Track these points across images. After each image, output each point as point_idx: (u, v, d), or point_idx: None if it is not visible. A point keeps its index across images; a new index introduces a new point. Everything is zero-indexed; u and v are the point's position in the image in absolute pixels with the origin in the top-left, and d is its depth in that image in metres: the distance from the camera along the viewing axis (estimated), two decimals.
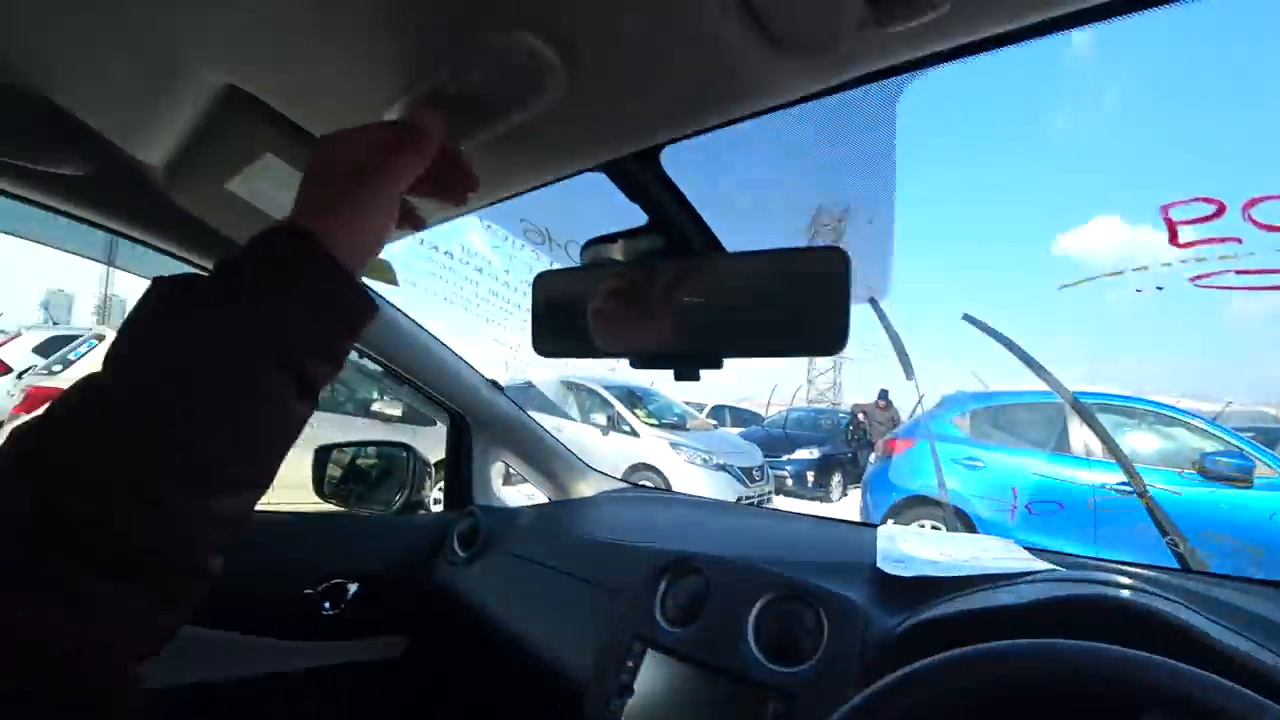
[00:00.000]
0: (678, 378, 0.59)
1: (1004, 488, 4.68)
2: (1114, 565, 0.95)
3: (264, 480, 0.39)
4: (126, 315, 0.38)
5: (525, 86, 0.45)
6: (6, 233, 1.08)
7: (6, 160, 0.77)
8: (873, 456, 6.40)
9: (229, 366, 0.36)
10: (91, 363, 4.63)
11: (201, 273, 0.40)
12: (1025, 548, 1.01)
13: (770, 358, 0.57)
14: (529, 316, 0.67)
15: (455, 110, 0.49)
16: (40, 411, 0.35)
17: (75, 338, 5.43)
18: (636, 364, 0.60)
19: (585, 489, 1.54)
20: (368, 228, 0.43)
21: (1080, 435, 4.64)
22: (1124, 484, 4.12)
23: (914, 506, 5.06)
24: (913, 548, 1.02)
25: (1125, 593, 0.68)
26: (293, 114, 0.62)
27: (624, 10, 0.40)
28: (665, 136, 0.54)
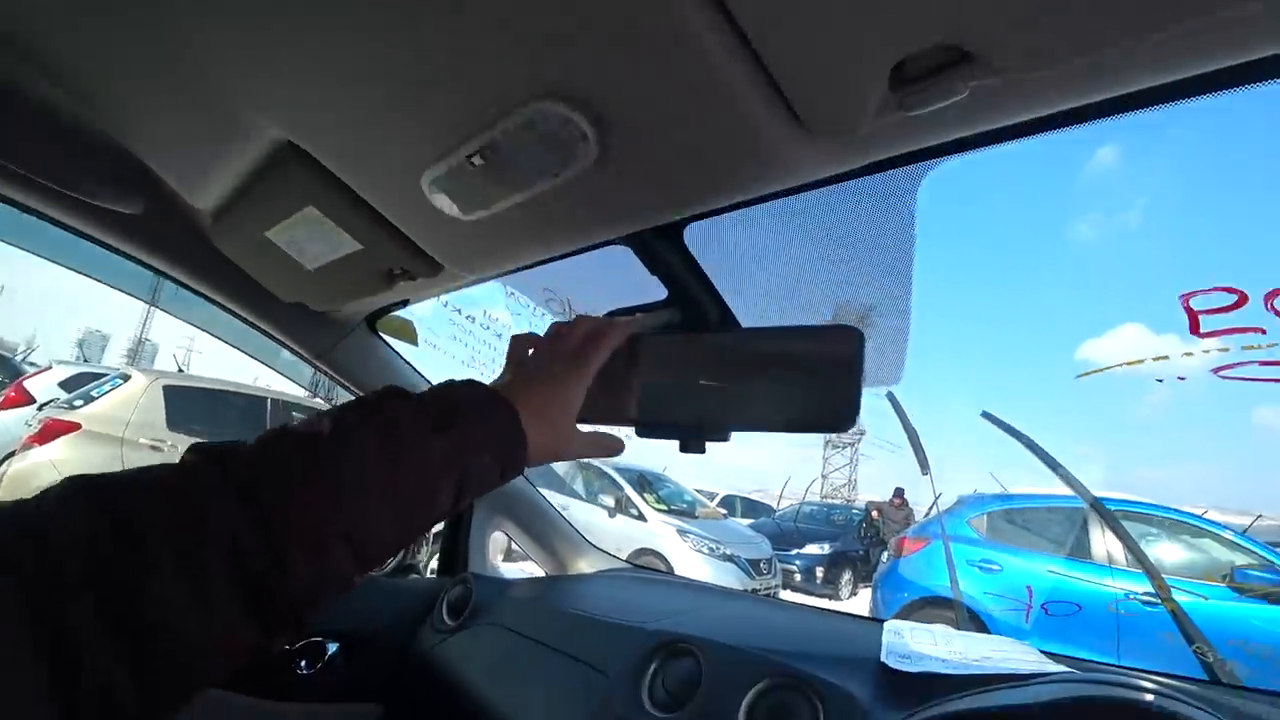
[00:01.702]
0: (683, 449, 0.59)
1: (1020, 590, 4.51)
2: (1136, 671, 0.91)
3: (389, 554, 0.44)
4: (354, 403, 0.46)
5: (557, 155, 0.48)
6: (60, 263, 1.13)
7: (67, 192, 0.81)
8: (885, 555, 6.22)
9: (424, 477, 0.43)
10: (113, 401, 4.70)
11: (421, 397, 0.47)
12: (1040, 651, 0.97)
13: (778, 432, 0.57)
14: None
15: (488, 176, 0.52)
16: (257, 447, 0.39)
17: (101, 375, 5.54)
18: (642, 433, 0.60)
19: (585, 566, 1.51)
20: (558, 414, 0.54)
21: (1101, 542, 4.48)
22: (1148, 593, 3.97)
23: (925, 607, 4.86)
24: (921, 644, 0.98)
25: (1149, 697, 0.64)
26: (339, 171, 0.65)
27: (656, 86, 0.43)
28: (689, 212, 0.56)
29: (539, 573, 1.53)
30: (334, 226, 0.73)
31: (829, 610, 1.33)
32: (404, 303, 1.02)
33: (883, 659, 0.89)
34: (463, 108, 0.48)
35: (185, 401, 4.99)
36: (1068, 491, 4.76)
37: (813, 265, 0.66)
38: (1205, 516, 4.89)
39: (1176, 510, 4.79)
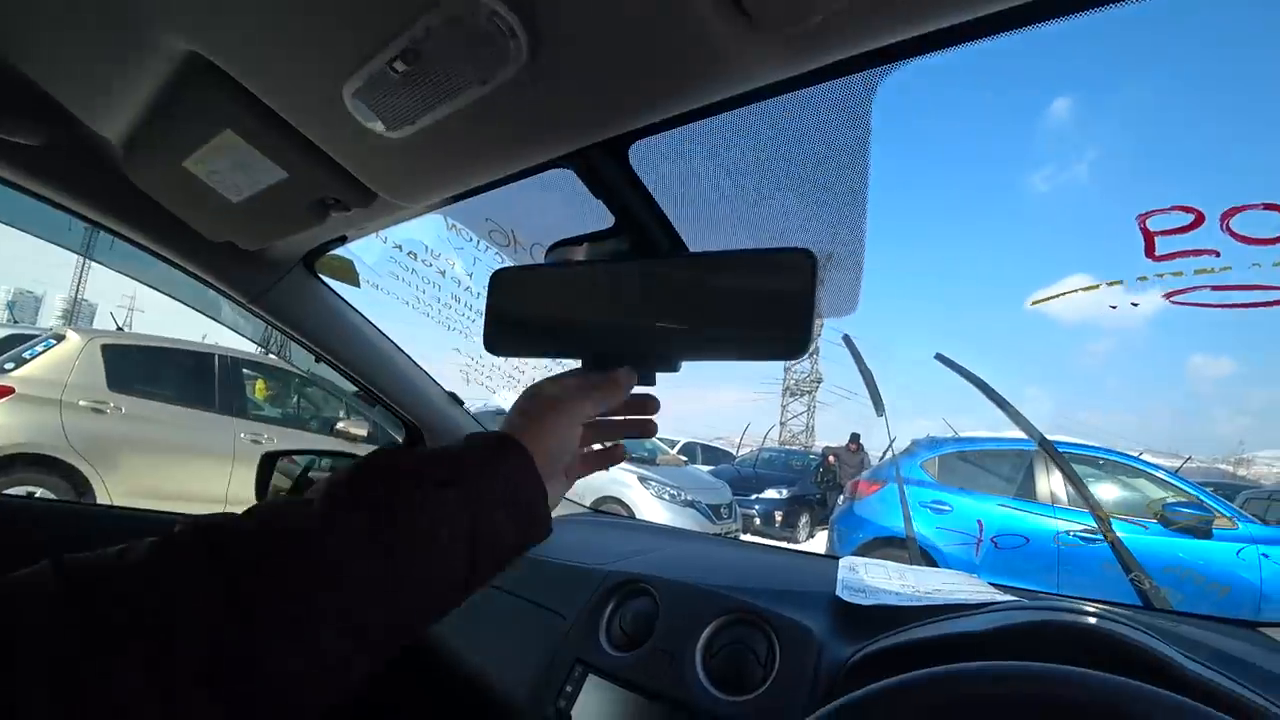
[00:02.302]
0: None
1: (971, 525, 4.76)
2: (1078, 599, 0.94)
3: (389, 652, 0.40)
4: (345, 470, 0.41)
5: (484, 58, 0.43)
6: None
7: None
8: (841, 498, 6.42)
9: (426, 556, 0.40)
10: (47, 362, 4.48)
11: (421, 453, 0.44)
12: (989, 583, 0.99)
13: (730, 360, 0.55)
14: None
15: (412, 86, 0.47)
16: (250, 531, 0.36)
17: (33, 337, 5.26)
18: (589, 364, 0.58)
19: None
20: (553, 450, 0.49)
21: (1045, 482, 4.75)
22: (1088, 531, 4.25)
23: (881, 546, 5.06)
24: (875, 579, 0.99)
25: (1087, 619, 0.66)
26: (255, 88, 0.60)
27: None
28: (632, 125, 0.52)
29: None
30: (256, 153, 0.67)
31: (786, 549, 1.35)
32: (342, 239, 0.96)
33: (837, 593, 0.90)
34: (382, 11, 0.44)
35: (127, 361, 4.77)
36: (1014, 435, 4.99)
37: (763, 187, 0.63)
38: (1140, 458, 5.17)
39: (1114, 451, 5.09)
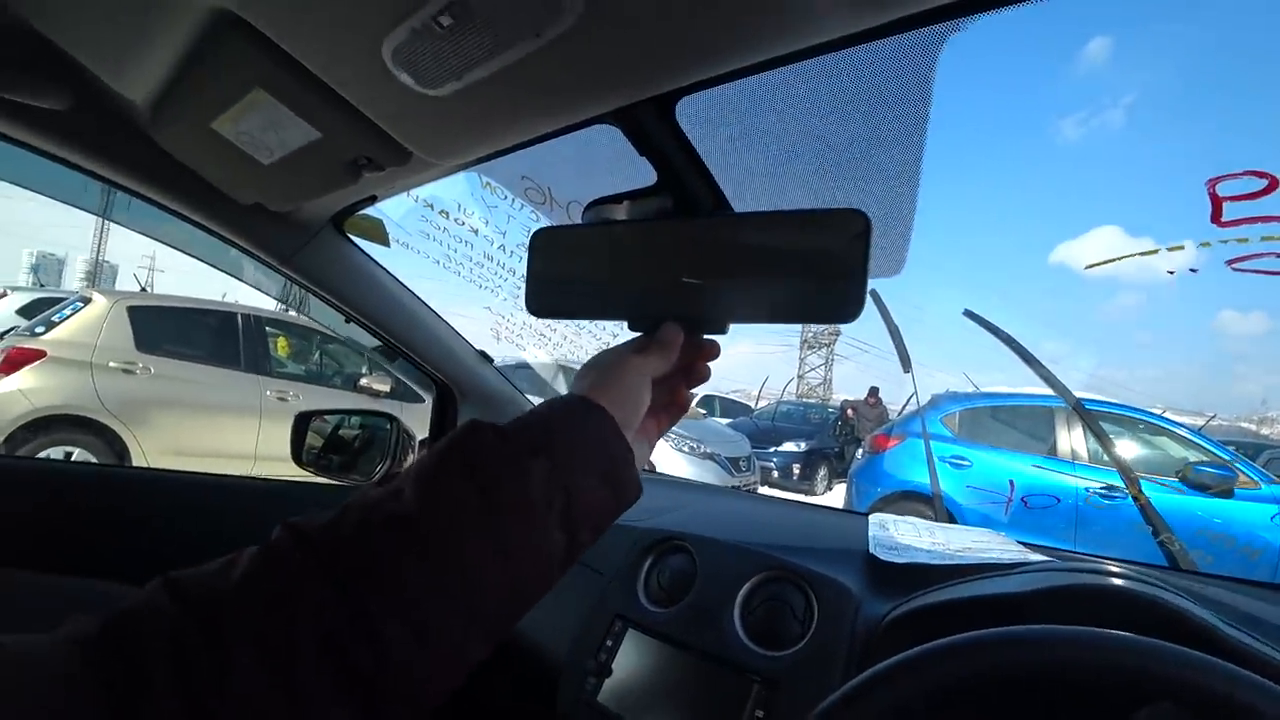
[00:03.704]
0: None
1: (993, 484, 4.75)
2: (1109, 559, 0.94)
3: (501, 632, 0.39)
4: (432, 450, 0.40)
5: (539, 8, 0.42)
6: None
7: None
8: (860, 452, 6.43)
9: (527, 518, 0.38)
10: (76, 325, 4.55)
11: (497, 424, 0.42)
12: (1018, 542, 0.99)
13: (779, 323, 0.54)
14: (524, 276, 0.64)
15: (459, 40, 0.46)
16: (349, 533, 0.36)
17: (60, 300, 5.32)
18: (635, 326, 0.57)
19: None
20: (628, 409, 0.48)
21: (1067, 440, 4.72)
22: (1109, 488, 4.24)
23: (901, 500, 5.11)
24: (905, 537, 1.00)
25: (1125, 582, 0.66)
26: (287, 46, 0.58)
27: None
28: (687, 79, 0.50)
29: None
30: (288, 112, 0.65)
31: (813, 505, 1.36)
32: (371, 199, 0.95)
33: (871, 550, 0.90)
34: None
35: (152, 322, 4.83)
36: (1035, 391, 4.94)
37: (816, 146, 0.61)
38: (1164, 415, 5.12)
39: (1137, 409, 5.07)
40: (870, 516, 1.09)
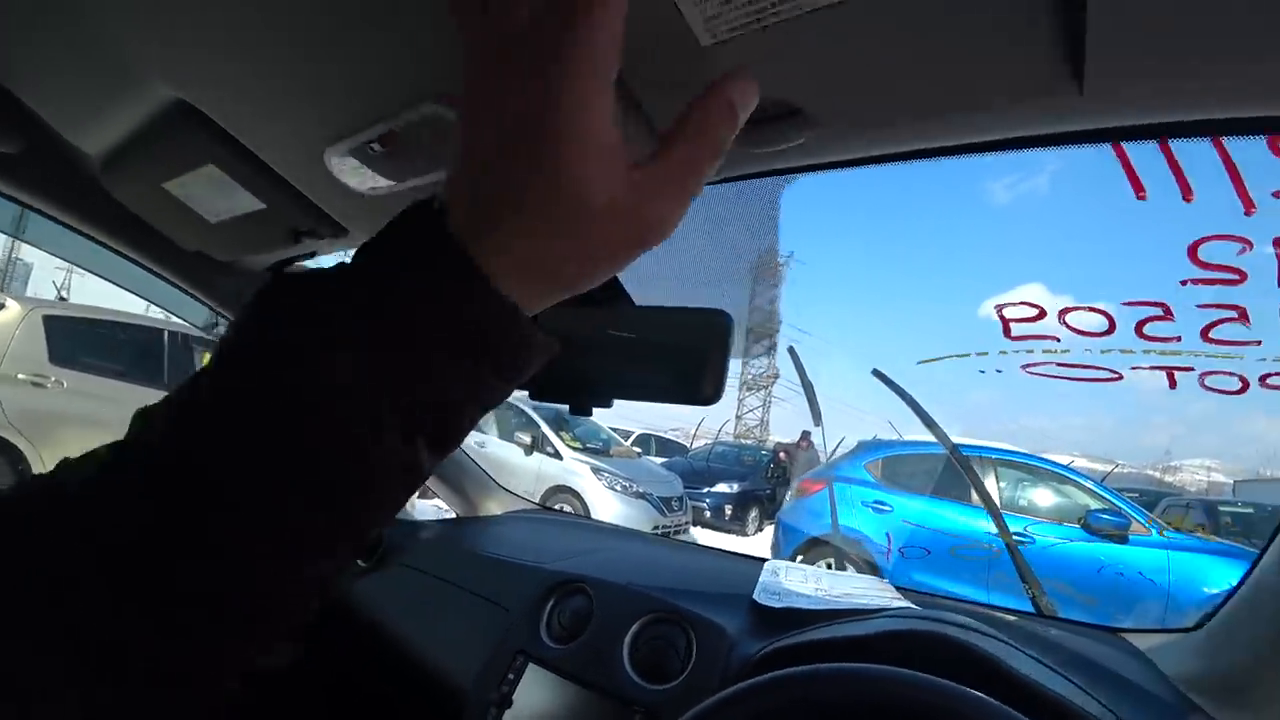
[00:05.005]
0: (573, 411, 0.66)
1: (911, 529, 4.99)
2: (969, 606, 1.06)
3: (358, 548, 0.30)
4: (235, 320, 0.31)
5: (450, 152, 0.51)
6: None
7: None
8: (789, 495, 6.61)
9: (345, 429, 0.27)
10: None
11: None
12: (898, 587, 1.11)
13: (655, 401, 0.63)
14: None
15: (390, 160, 0.55)
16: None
17: None
18: (533, 394, 0.66)
19: (494, 507, 1.57)
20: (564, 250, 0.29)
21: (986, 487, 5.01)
22: (1020, 534, 4.54)
23: (819, 545, 5.27)
24: (793, 582, 1.10)
25: (950, 629, 0.77)
26: (239, 136, 0.65)
27: None
28: None
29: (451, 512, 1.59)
30: (237, 186, 0.73)
31: (718, 550, 1.46)
32: (312, 254, 1.02)
33: (754, 596, 1.00)
34: (363, 97, 0.51)
35: (70, 333, 4.62)
36: (958, 441, 5.24)
37: (698, 253, 0.72)
38: (1071, 466, 5.54)
39: (1046, 460, 5.45)
40: (766, 563, 1.19)
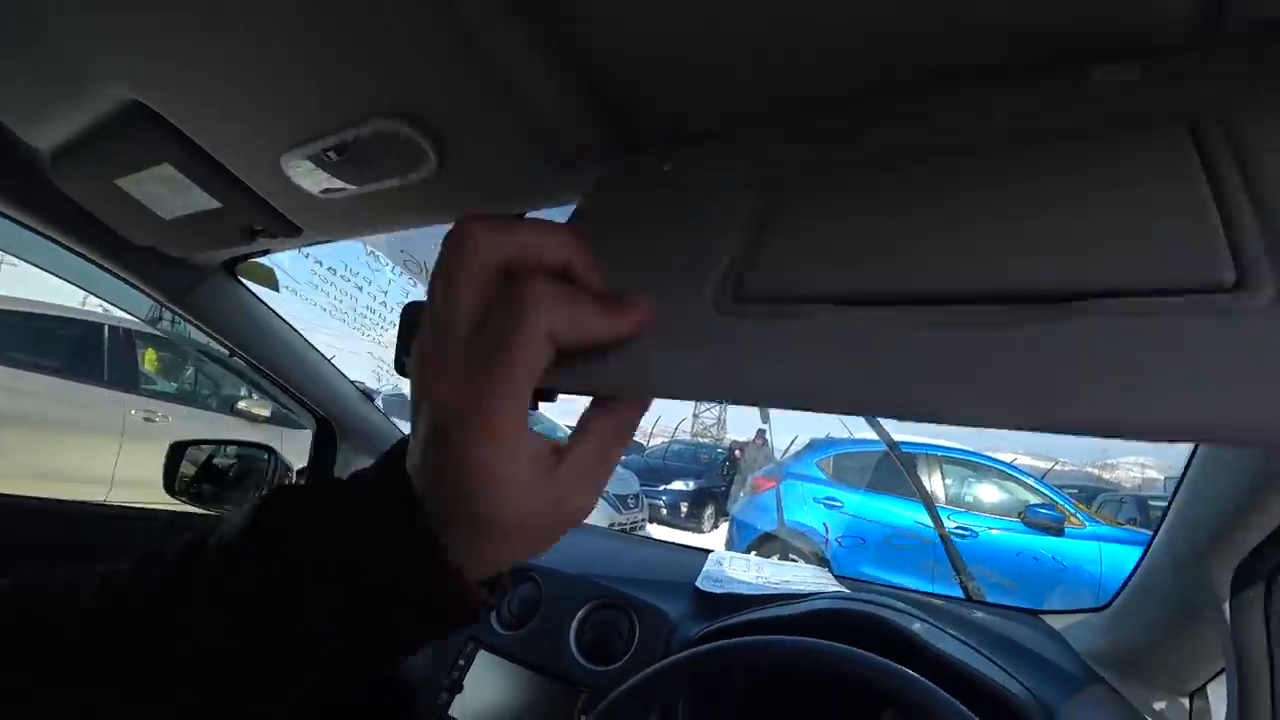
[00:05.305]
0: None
1: (861, 524, 5.20)
2: (898, 591, 1.13)
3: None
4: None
5: (401, 164, 0.55)
6: None
7: None
8: (743, 492, 6.73)
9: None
10: None
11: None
12: (838, 575, 1.17)
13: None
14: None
15: (342, 168, 0.58)
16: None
17: None
18: None
19: None
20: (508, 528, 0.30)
21: (927, 484, 5.21)
22: (963, 528, 4.80)
23: (770, 540, 5.43)
24: (736, 571, 1.16)
25: (871, 609, 0.83)
26: (194, 136, 0.67)
27: (488, 110, 0.50)
28: (523, 209, 0.65)
29: None
30: (192, 184, 0.74)
31: (666, 543, 1.51)
32: (264, 251, 1.03)
33: (697, 583, 1.05)
34: (316, 109, 0.54)
35: (1, 327, 4.44)
36: (903, 439, 5.45)
37: None
38: (1014, 463, 5.83)
39: (990, 458, 5.70)
40: (711, 554, 1.24)
